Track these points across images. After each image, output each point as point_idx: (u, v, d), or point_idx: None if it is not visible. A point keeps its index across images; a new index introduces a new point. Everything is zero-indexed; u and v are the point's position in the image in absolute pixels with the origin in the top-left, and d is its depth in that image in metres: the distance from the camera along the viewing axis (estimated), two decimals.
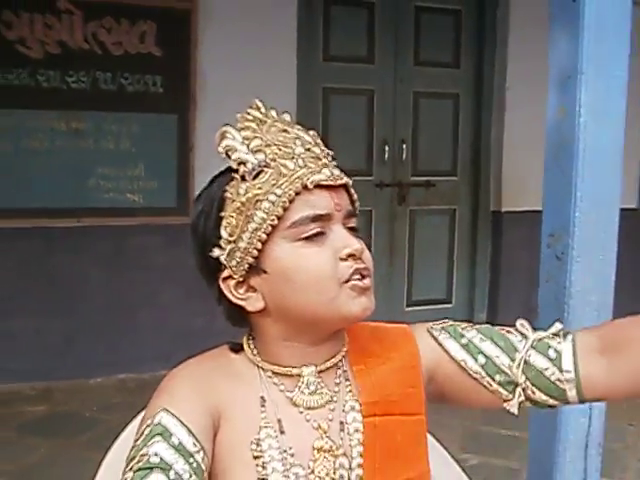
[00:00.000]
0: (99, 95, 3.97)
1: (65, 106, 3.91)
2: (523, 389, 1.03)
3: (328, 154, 1.01)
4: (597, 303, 1.84)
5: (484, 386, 1.04)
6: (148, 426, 0.90)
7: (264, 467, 0.93)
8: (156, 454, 0.86)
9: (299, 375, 0.99)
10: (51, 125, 3.90)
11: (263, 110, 0.99)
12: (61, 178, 3.94)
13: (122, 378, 4.09)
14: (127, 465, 0.88)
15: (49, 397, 3.88)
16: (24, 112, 3.87)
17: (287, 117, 1.00)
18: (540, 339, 1.03)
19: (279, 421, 0.96)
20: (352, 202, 1.02)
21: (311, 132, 1.01)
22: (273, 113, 1.00)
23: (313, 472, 0.95)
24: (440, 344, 1.06)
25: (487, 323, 1.10)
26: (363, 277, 0.96)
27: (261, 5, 4.22)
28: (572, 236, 1.77)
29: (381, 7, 4.65)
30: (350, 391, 1.01)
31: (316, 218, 0.95)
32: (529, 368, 1.02)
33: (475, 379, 1.04)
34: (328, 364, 1.00)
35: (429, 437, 1.10)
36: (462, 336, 1.06)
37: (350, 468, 0.97)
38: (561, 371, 1.01)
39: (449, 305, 5.01)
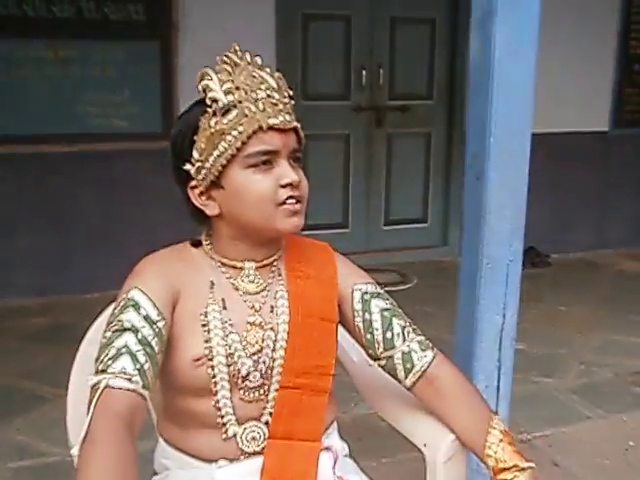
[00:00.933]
0: (83, 24, 4.10)
1: (51, 35, 4.05)
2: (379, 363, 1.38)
3: (286, 97, 1.26)
4: (511, 217, 2.10)
5: (357, 338, 1.39)
6: (123, 299, 1.20)
7: (209, 332, 1.24)
8: (128, 320, 1.16)
9: (241, 268, 1.30)
10: (38, 54, 4.04)
11: (239, 54, 1.25)
12: (50, 105, 4.12)
13: (118, 293, 4.38)
14: (106, 327, 1.18)
15: (51, 311, 4.17)
16: (12, 41, 4.01)
17: (259, 60, 1.26)
18: (409, 351, 1.34)
19: (223, 300, 1.27)
20: (299, 141, 1.29)
21: (277, 75, 1.27)
22: (247, 56, 1.25)
23: (246, 339, 1.26)
24: (352, 295, 1.37)
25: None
26: (296, 202, 1.24)
27: None
28: (488, 159, 2.02)
29: None
30: (282, 284, 1.32)
31: (266, 153, 1.22)
32: (388, 362, 1.36)
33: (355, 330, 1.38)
34: (265, 262, 1.31)
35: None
36: (368, 307, 1.37)
37: (276, 340, 1.28)
38: (405, 377, 1.35)
39: (425, 224, 5.28)
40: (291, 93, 1.28)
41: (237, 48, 1.25)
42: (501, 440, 1.27)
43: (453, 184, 5.16)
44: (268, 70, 1.26)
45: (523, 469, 1.24)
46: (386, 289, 4.57)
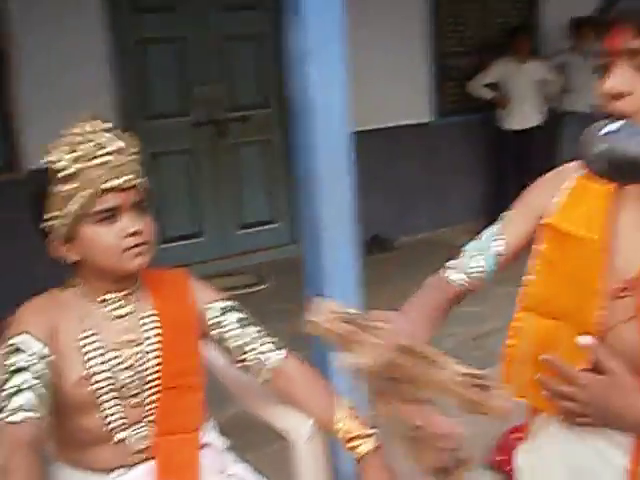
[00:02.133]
0: None
1: None
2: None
3: (131, 155, 1.49)
4: (342, 225, 2.41)
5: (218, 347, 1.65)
6: (11, 344, 1.40)
7: (87, 355, 1.47)
8: (20, 360, 1.37)
9: (109, 298, 1.53)
10: None
11: (82, 124, 1.47)
12: None
13: None
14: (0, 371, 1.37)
15: None
16: None
17: (104, 125, 1.48)
18: (262, 352, 1.60)
19: (96, 326, 1.50)
20: (142, 192, 1.52)
21: (121, 135, 1.49)
22: (88, 127, 1.46)
23: (121, 356, 1.50)
24: (209, 311, 1.62)
25: None
26: (140, 246, 1.48)
27: None
28: (316, 177, 2.33)
29: None
30: (148, 305, 1.57)
31: (108, 210, 1.46)
32: (246, 364, 1.61)
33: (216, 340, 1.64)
34: (128, 290, 1.55)
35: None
36: (224, 319, 1.62)
37: (148, 352, 1.53)
38: (262, 375, 1.60)
39: (275, 225, 5.54)
40: (136, 150, 1.51)
41: (85, 116, 1.48)
42: (347, 415, 1.53)
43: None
44: (110, 134, 1.48)
45: (368, 435, 1.51)
46: (246, 291, 4.86)
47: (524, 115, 5.88)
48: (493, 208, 6.14)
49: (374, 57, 5.42)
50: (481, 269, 1.39)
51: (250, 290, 4.83)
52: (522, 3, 6.30)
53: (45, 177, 1.45)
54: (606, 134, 0.76)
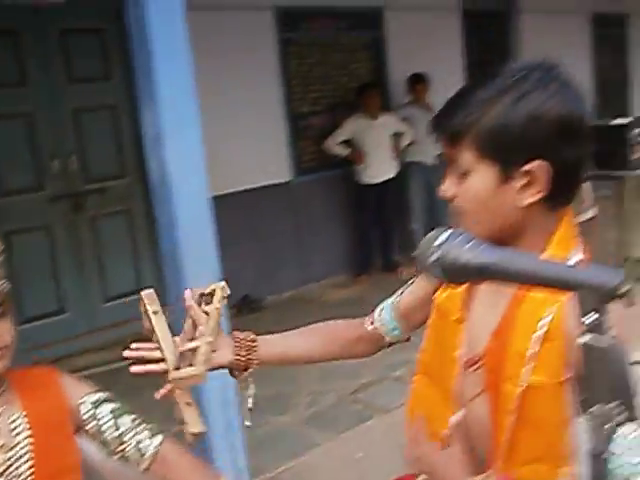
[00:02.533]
0: None
1: None
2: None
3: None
4: None
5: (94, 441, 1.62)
6: None
7: None
8: None
9: None
10: None
11: None
12: None
13: None
14: None
15: None
16: None
17: None
18: (139, 441, 1.59)
19: None
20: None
21: None
22: None
23: None
24: (80, 406, 1.60)
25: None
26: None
27: None
28: (180, 256, 2.37)
29: (27, 33, 4.85)
30: (17, 408, 1.51)
31: None
32: (124, 454, 1.59)
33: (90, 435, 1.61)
34: None
35: None
36: (97, 413, 1.60)
37: (20, 456, 1.47)
38: (141, 463, 1.58)
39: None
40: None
41: None
42: None
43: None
44: None
45: None
46: (118, 365, 4.74)
47: (379, 168, 6.12)
48: (357, 260, 6.37)
49: (234, 123, 5.57)
50: (383, 317, 1.52)
51: (122, 364, 4.70)
52: (369, 61, 6.65)
53: None
54: (438, 245, 0.87)
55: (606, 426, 0.78)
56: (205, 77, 5.01)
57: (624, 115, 8.81)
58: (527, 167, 1.10)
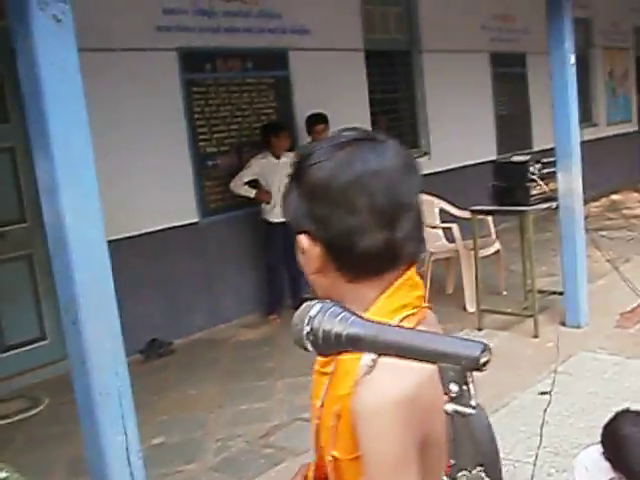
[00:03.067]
0: None
1: None
2: None
3: None
4: (110, 349, 2.41)
5: None
6: None
7: None
8: None
9: None
10: None
11: None
12: None
13: None
14: None
15: None
16: None
17: None
18: None
19: None
20: None
21: None
22: None
23: None
24: None
25: None
26: None
27: None
28: (80, 307, 2.32)
29: None
30: None
31: None
32: None
33: None
34: None
35: None
36: None
37: None
38: None
39: (45, 342, 5.30)
40: None
41: None
42: None
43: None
44: None
45: None
46: (19, 417, 4.58)
47: None
48: (267, 300, 6.37)
49: (139, 166, 5.54)
50: None
51: (24, 415, 4.54)
52: (275, 101, 6.72)
53: None
54: (310, 318, 0.89)
55: None
56: (108, 118, 5.02)
57: (526, 148, 9.25)
58: (299, 239, 1.10)
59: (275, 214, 6.16)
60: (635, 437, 2.21)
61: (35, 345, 5.23)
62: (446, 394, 0.81)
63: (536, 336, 5.23)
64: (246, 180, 6.11)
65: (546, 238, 7.42)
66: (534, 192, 5.23)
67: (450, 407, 0.81)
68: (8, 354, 5.13)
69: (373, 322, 0.88)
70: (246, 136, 6.43)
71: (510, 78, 9.81)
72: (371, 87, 7.75)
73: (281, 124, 6.41)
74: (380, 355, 0.87)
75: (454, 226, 6.12)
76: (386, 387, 0.90)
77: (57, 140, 2.22)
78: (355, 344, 0.86)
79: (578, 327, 5.35)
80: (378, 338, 0.84)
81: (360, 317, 0.89)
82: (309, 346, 0.89)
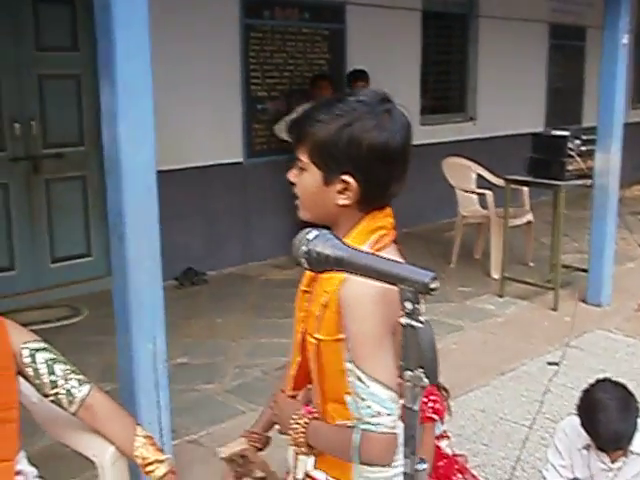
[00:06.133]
0: None
1: None
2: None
3: None
4: (149, 267, 2.69)
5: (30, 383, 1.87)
6: None
7: None
8: None
9: None
10: None
11: None
12: None
13: None
14: None
15: None
16: None
17: None
18: (69, 388, 1.84)
19: None
20: None
21: None
22: None
23: None
24: (22, 351, 1.84)
25: None
26: None
27: None
28: (126, 225, 2.59)
29: None
30: None
31: None
32: (55, 398, 1.85)
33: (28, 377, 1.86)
34: None
35: None
36: (35, 359, 1.84)
37: None
38: (69, 407, 1.85)
39: (90, 258, 5.67)
40: None
41: None
42: (144, 443, 1.81)
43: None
44: None
45: (162, 461, 1.78)
46: (60, 323, 4.98)
47: None
48: None
49: (193, 101, 5.79)
50: None
51: (64, 323, 4.91)
52: (328, 53, 6.88)
53: None
54: (307, 240, 1.14)
55: (415, 388, 1.06)
56: (169, 54, 5.25)
57: (575, 124, 9.17)
58: (343, 177, 1.40)
59: None
60: (604, 403, 2.35)
61: (81, 260, 5.60)
62: (402, 310, 1.05)
63: (555, 309, 5.35)
64: None
65: (582, 216, 7.42)
66: (570, 167, 5.25)
67: (404, 320, 1.04)
68: (56, 265, 5.51)
69: (354, 248, 1.13)
70: (297, 84, 6.62)
71: (568, 51, 9.73)
72: (424, 48, 7.82)
73: (326, 76, 6.56)
74: (355, 274, 1.11)
75: (488, 192, 6.20)
76: (366, 284, 1.15)
77: (121, 69, 2.46)
78: (338, 264, 1.11)
79: (598, 306, 5.43)
80: (355, 260, 1.09)
81: (344, 243, 1.14)
82: (304, 262, 1.14)
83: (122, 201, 2.57)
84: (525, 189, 6.41)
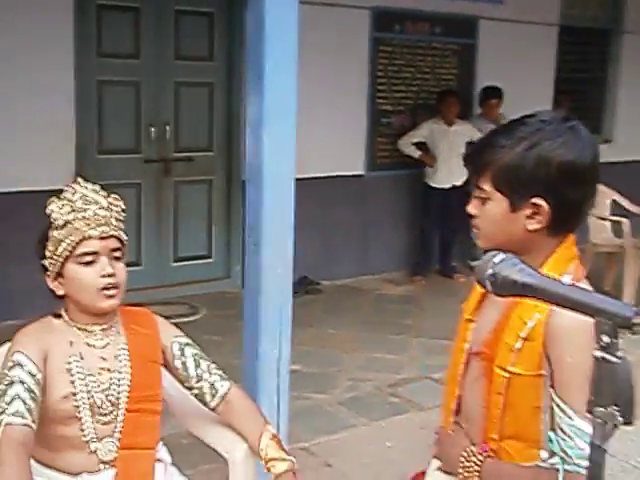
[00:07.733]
0: None
1: None
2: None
3: (114, 212, 1.79)
4: (281, 274, 2.70)
5: (175, 375, 1.92)
6: (10, 360, 1.67)
7: (72, 376, 1.74)
8: (15, 375, 1.64)
9: (91, 330, 1.80)
10: None
11: (78, 184, 1.78)
12: None
13: None
14: None
15: None
16: None
17: (96, 187, 1.80)
18: (213, 382, 1.88)
19: (80, 353, 1.77)
20: (121, 241, 1.80)
21: (110, 196, 1.81)
22: (80, 186, 1.78)
23: (99, 380, 1.77)
24: (172, 345, 1.89)
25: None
26: (112, 288, 1.75)
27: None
28: (262, 233, 2.62)
29: (145, 11, 5.28)
30: (122, 340, 1.84)
31: (89, 253, 1.74)
32: (199, 391, 1.89)
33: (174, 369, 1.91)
34: (106, 325, 1.82)
35: None
36: (183, 353, 1.89)
37: (120, 379, 1.80)
38: (211, 401, 1.89)
39: (210, 260, 5.81)
40: (118, 207, 1.81)
41: (79, 180, 1.80)
42: (271, 440, 1.83)
43: (233, 223, 5.76)
44: (102, 193, 1.80)
45: (284, 459, 1.79)
46: (179, 320, 5.11)
47: (449, 174, 6.18)
48: (415, 260, 6.54)
49: (318, 111, 5.80)
50: None
51: (183, 320, 5.03)
52: (458, 68, 6.79)
53: (47, 224, 1.75)
54: (494, 264, 1.10)
55: (607, 425, 1.00)
56: (302, 64, 5.28)
57: None
58: (533, 201, 1.36)
59: (437, 179, 6.28)
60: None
61: (201, 261, 5.76)
62: (597, 343, 0.99)
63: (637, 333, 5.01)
64: (414, 141, 6.26)
65: None
66: None
67: (599, 353, 0.99)
68: (178, 264, 5.69)
69: (545, 276, 1.08)
70: (423, 99, 6.57)
71: None
72: (558, 64, 7.51)
73: (452, 90, 6.47)
74: (546, 302, 1.06)
75: (625, 220, 5.87)
76: (577, 316, 1.05)
77: (269, 82, 2.50)
78: (527, 290, 1.06)
79: None
80: (547, 289, 1.04)
81: (533, 269, 1.09)
82: (489, 285, 1.10)
83: (261, 209, 2.60)
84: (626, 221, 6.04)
